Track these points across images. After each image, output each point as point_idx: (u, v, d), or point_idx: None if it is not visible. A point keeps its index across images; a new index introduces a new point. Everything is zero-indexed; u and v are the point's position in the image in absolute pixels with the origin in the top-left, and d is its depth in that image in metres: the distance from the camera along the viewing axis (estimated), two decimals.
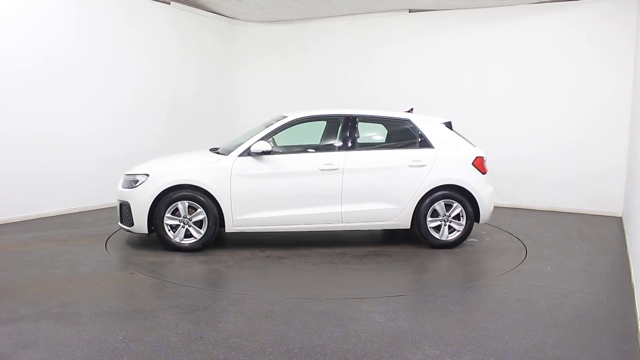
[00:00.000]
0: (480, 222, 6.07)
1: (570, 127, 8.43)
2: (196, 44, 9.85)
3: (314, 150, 6.09)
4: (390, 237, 6.65)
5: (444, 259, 5.72)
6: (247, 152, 5.74)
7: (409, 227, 5.96)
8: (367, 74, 9.90)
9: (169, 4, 9.12)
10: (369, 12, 9.71)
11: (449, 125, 6.21)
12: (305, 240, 6.38)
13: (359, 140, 6.03)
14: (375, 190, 5.84)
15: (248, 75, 10.84)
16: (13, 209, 6.95)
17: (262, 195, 5.71)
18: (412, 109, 6.40)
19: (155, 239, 5.93)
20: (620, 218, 8.01)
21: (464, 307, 4.27)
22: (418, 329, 3.75)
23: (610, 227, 7.43)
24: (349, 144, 5.95)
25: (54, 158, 7.41)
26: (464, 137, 6.18)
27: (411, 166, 5.86)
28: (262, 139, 5.78)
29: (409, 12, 9.45)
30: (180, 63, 9.49)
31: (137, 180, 5.73)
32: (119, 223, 5.98)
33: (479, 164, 6.01)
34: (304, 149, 6.16)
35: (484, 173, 6.03)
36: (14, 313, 3.88)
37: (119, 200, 5.91)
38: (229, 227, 5.74)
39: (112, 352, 3.27)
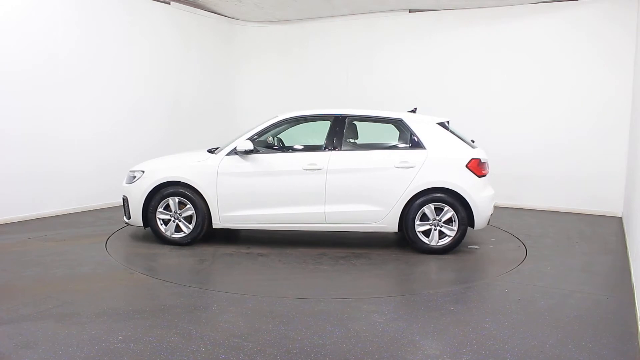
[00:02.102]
0: (475, 228, 5.81)
1: (571, 127, 8.43)
2: (196, 44, 9.85)
3: (301, 150, 6.11)
4: (383, 240, 6.56)
5: (431, 261, 5.56)
6: (234, 151, 5.88)
7: (396, 230, 5.80)
8: (367, 74, 9.90)
9: (169, 4, 9.12)
10: (369, 12, 9.72)
11: (444, 125, 5.99)
12: (297, 239, 6.39)
13: (347, 141, 5.95)
14: (360, 191, 5.72)
15: (248, 75, 10.84)
16: (13, 209, 6.95)
17: (246, 193, 5.83)
18: (415, 109, 6.30)
19: (155, 238, 6.07)
20: (620, 218, 8.01)
21: (464, 307, 4.27)
22: (418, 329, 3.75)
23: (610, 227, 7.43)
24: (336, 144, 5.88)
25: (54, 158, 7.41)
26: (461, 138, 5.95)
27: (398, 167, 5.69)
28: (248, 138, 5.91)
29: (409, 12, 9.46)
30: (180, 63, 9.49)
31: (135, 176, 6.06)
32: (124, 217, 6.27)
33: (474, 166, 5.71)
34: (292, 148, 6.20)
35: (480, 176, 5.74)
36: (14, 313, 3.89)
37: (122, 194, 6.21)
38: (216, 224, 5.92)
39: (112, 352, 3.27)
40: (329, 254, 5.75)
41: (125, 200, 6.11)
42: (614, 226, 7.48)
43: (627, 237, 6.54)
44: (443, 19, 9.22)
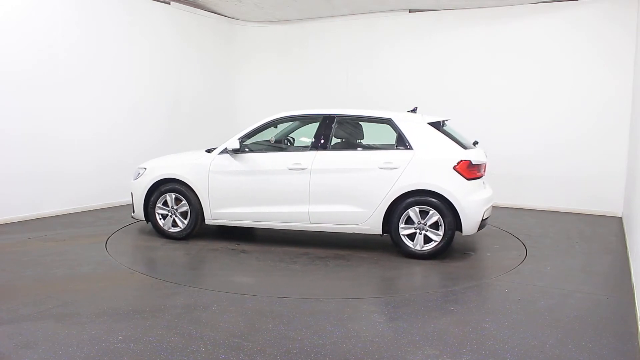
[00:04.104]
0: (463, 234, 5.53)
1: (571, 126, 8.42)
2: (196, 44, 9.84)
3: (289, 149, 6.15)
4: (375, 243, 6.25)
5: (409, 266, 5.37)
6: (226, 151, 6.03)
7: (380, 232, 5.65)
8: (367, 74, 9.90)
9: (169, 4, 9.12)
10: (369, 12, 9.71)
11: (437, 125, 5.77)
12: (292, 238, 6.42)
13: (334, 140, 5.90)
14: (343, 191, 5.64)
15: (248, 75, 10.84)
16: (13, 209, 6.94)
17: (235, 191, 5.98)
18: (415, 108, 6.24)
19: (154, 235, 6.13)
20: (620, 218, 8.01)
21: (464, 307, 4.27)
22: (418, 329, 3.75)
23: (610, 227, 7.43)
24: (322, 144, 5.85)
25: (54, 158, 7.41)
26: (455, 139, 5.71)
27: (382, 168, 5.55)
28: (239, 138, 6.01)
29: (409, 12, 9.45)
30: (180, 63, 9.49)
31: (139, 173, 6.41)
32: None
33: (463, 169, 5.43)
34: (280, 148, 6.23)
35: (469, 178, 5.46)
36: (14, 313, 3.89)
37: (130, 190, 6.55)
38: (208, 220, 6.13)
39: (112, 352, 3.28)
40: (310, 254, 5.74)
41: (131, 195, 6.44)
42: (614, 226, 7.48)
43: (627, 237, 6.54)
44: (443, 19, 9.22)
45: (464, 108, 8.88)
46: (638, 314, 4.01)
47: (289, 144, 6.39)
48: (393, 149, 5.73)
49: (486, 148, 6.36)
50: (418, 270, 5.31)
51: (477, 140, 6.18)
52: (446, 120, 6.09)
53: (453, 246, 6.03)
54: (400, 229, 5.55)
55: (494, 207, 6.14)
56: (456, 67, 9.17)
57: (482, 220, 5.57)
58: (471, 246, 6.17)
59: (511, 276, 5.07)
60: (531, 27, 8.62)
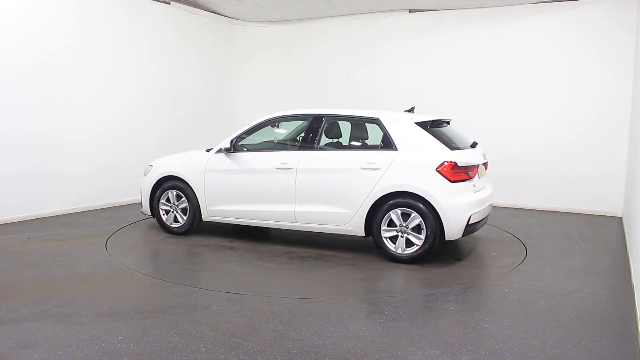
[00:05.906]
0: (446, 239, 5.26)
1: (571, 126, 8.42)
2: (196, 44, 9.84)
3: (278, 149, 6.17)
4: (367, 245, 6.08)
5: (386, 270, 5.24)
6: (221, 150, 6.20)
7: (363, 234, 5.55)
8: (367, 74, 9.89)
9: (169, 4, 9.12)
10: (369, 12, 9.71)
11: (424, 125, 5.58)
12: (287, 237, 6.46)
13: (322, 140, 5.91)
14: (326, 192, 5.62)
15: (248, 75, 10.83)
16: (13, 209, 6.94)
17: (227, 189, 6.13)
18: (413, 108, 6.23)
19: (154, 235, 6.13)
20: (620, 218, 8.01)
21: (464, 307, 4.27)
22: (418, 329, 3.75)
23: (610, 227, 7.43)
24: (310, 144, 5.86)
25: (54, 158, 7.40)
26: (443, 139, 5.50)
27: (364, 169, 5.46)
28: (233, 138, 6.15)
29: (409, 12, 9.45)
30: (180, 63, 9.49)
31: (147, 170, 6.71)
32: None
33: (447, 170, 5.22)
34: (271, 147, 6.29)
35: (453, 181, 5.22)
36: (14, 313, 3.89)
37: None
38: (204, 217, 6.32)
39: (112, 352, 3.28)
40: (293, 253, 5.76)
41: (140, 191, 6.74)
42: (614, 226, 7.47)
43: (627, 237, 6.54)
44: (443, 19, 9.22)
45: (464, 108, 8.87)
46: (638, 314, 4.01)
47: (296, 144, 6.38)
48: (377, 149, 5.67)
49: (486, 148, 6.35)
50: (388, 274, 5.18)
51: (477, 142, 6.14)
52: (444, 121, 5.98)
53: (450, 248, 6.03)
54: (382, 231, 5.42)
55: (495, 207, 6.12)
56: (456, 67, 9.16)
57: (469, 224, 5.30)
58: (467, 249, 6.17)
59: (511, 276, 5.07)
60: (531, 27, 8.62)
